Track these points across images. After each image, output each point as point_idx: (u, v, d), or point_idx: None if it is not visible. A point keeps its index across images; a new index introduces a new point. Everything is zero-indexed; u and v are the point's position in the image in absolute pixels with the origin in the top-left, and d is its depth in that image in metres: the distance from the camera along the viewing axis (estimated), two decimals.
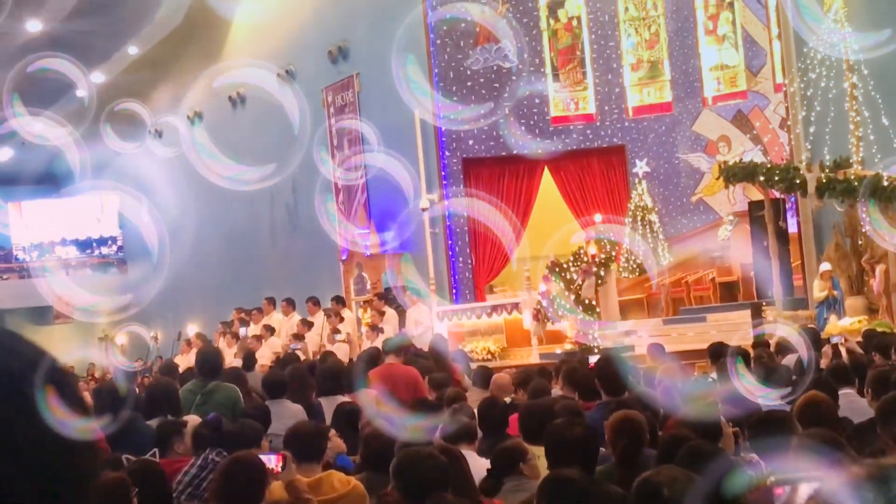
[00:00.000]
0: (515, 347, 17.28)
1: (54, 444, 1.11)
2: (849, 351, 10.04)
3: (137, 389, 11.34)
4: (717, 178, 17.52)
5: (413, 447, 4.68)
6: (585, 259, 16.55)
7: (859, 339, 11.10)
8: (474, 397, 7.94)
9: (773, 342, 10.78)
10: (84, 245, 32.63)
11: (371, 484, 5.09)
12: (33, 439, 1.10)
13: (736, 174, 16.57)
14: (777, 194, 16.56)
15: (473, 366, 11.94)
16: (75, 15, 22.98)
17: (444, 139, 20.58)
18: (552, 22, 21.44)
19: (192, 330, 22.52)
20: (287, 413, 7.42)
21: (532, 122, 20.80)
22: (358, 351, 14.94)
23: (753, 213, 16.93)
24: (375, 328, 15.76)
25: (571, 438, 4.61)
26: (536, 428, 5.39)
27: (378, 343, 13.36)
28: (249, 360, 12.44)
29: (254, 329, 17.73)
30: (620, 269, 19.03)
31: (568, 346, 15.88)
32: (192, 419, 6.56)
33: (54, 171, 31.28)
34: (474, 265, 20.74)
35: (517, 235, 20.76)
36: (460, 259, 20.69)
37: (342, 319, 17.15)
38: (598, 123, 21.21)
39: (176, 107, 28.76)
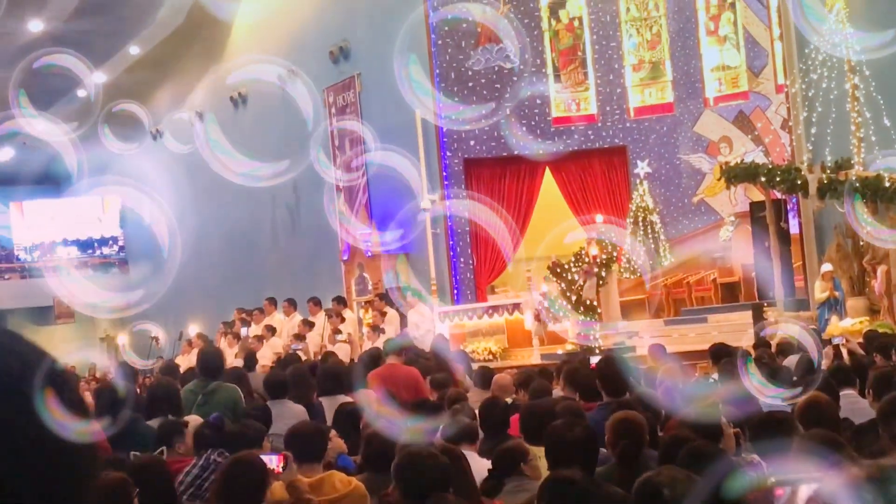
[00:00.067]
0: (517, 348, 17.28)
1: (54, 445, 1.11)
2: (850, 352, 10.04)
3: (139, 390, 11.34)
4: (719, 179, 17.51)
5: (414, 447, 4.69)
6: (586, 260, 16.54)
7: (860, 339, 11.10)
8: (475, 398, 7.94)
9: (773, 343, 10.78)
10: (85, 245, 32.66)
11: (372, 484, 5.09)
12: (33, 440, 1.10)
13: (737, 175, 16.56)
14: (778, 195, 16.56)
15: (475, 366, 11.93)
16: (77, 15, 23.00)
17: (445, 139, 20.58)
18: (553, 22, 21.44)
19: (193, 330, 22.52)
20: (289, 413, 7.42)
21: (533, 123, 20.80)
22: (359, 351, 14.95)
23: (755, 213, 16.93)
24: (377, 329, 15.77)
25: (571, 439, 4.62)
26: (537, 428, 5.39)
27: (379, 343, 13.36)
28: (250, 360, 12.46)
29: (255, 329, 17.74)
30: (622, 270, 19.02)
31: (569, 347, 15.88)
32: (194, 419, 6.57)
33: (55, 171, 31.28)
34: (475, 265, 20.74)
35: (518, 236, 20.77)
36: (461, 259, 20.69)
37: (343, 320, 17.16)
38: (599, 124, 21.21)
39: (178, 107, 28.78)
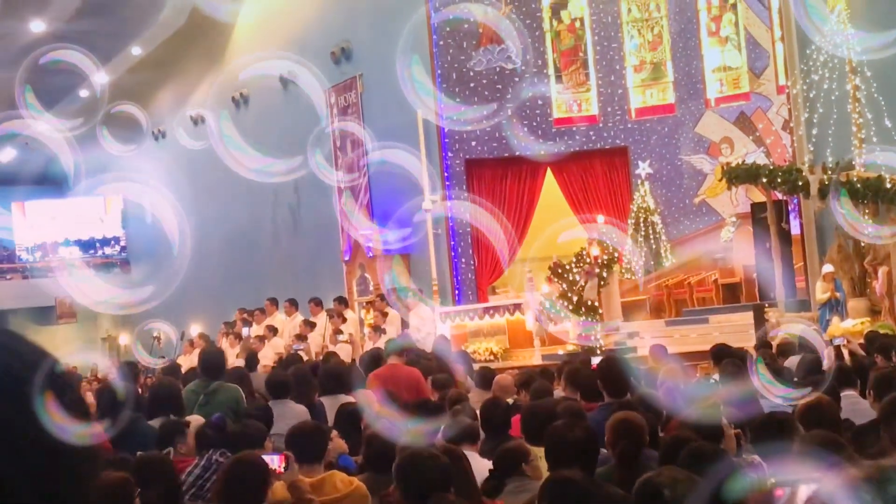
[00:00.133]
0: (518, 348, 17.29)
1: (55, 445, 1.11)
2: (851, 353, 10.04)
3: (140, 390, 11.35)
4: (720, 180, 17.51)
5: (415, 447, 4.69)
6: (588, 260, 16.54)
7: (861, 340, 11.09)
8: (476, 398, 7.94)
9: (774, 344, 10.78)
10: (87, 245, 32.67)
11: (373, 484, 5.10)
12: (34, 440, 1.10)
13: (738, 176, 16.56)
14: (780, 196, 16.56)
15: (476, 367, 11.93)
16: (79, 15, 23.00)
17: (446, 140, 20.59)
18: (555, 23, 21.45)
19: (194, 330, 22.52)
20: (290, 413, 7.42)
21: (535, 124, 20.81)
22: (360, 351, 14.96)
23: (756, 214, 16.93)
24: (378, 329, 15.77)
25: (572, 440, 4.62)
26: (538, 429, 5.39)
27: (381, 344, 13.38)
28: (252, 360, 12.46)
29: (256, 329, 17.74)
30: (623, 271, 19.03)
31: (570, 348, 15.88)
32: (195, 419, 6.58)
33: (57, 171, 31.28)
34: (477, 266, 20.75)
35: (520, 237, 20.78)
36: (463, 260, 20.69)
37: (345, 320, 17.17)
38: (600, 125, 21.22)
39: (180, 108, 28.79)
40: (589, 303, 16.28)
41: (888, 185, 14.50)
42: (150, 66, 27.10)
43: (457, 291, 20.37)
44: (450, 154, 20.66)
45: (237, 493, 4.45)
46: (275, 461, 4.84)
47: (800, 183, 15.62)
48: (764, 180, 16.14)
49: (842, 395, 6.86)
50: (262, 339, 16.70)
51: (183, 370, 12.14)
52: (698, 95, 20.97)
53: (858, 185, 14.70)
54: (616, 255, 17.34)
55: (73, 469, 1.14)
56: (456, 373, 9.74)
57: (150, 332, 20.76)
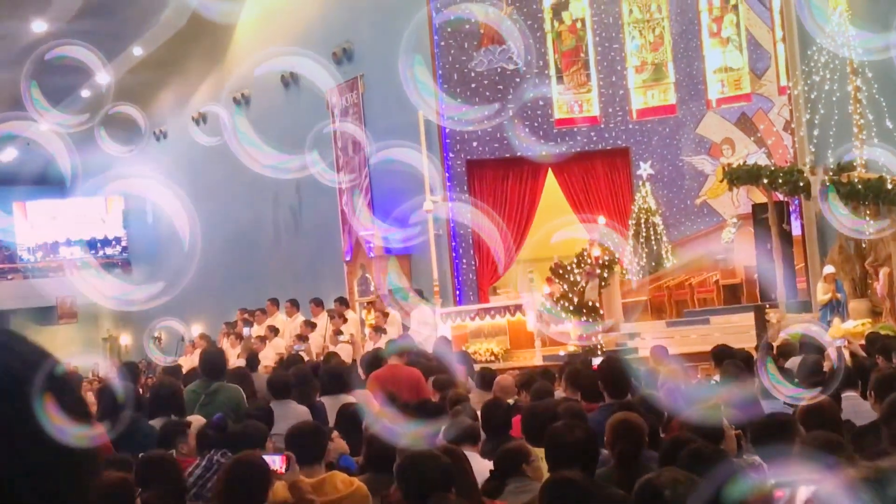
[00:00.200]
0: (519, 349, 17.29)
1: (55, 445, 1.11)
2: (852, 354, 10.04)
3: (141, 390, 11.36)
4: (721, 181, 17.52)
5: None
6: (589, 261, 16.54)
7: (862, 342, 11.09)
8: (477, 399, 7.95)
9: (775, 345, 10.77)
10: (88, 246, 32.68)
11: (374, 485, 5.10)
12: (34, 440, 1.10)
13: (740, 177, 16.56)
14: (781, 197, 16.56)
15: (476, 367, 11.94)
16: (80, 15, 23.01)
17: (448, 141, 20.59)
18: (556, 24, 21.45)
19: (195, 330, 22.54)
20: (292, 414, 7.42)
21: (536, 125, 20.81)
22: (361, 352, 14.95)
23: (757, 215, 16.92)
24: (379, 329, 15.78)
25: (572, 441, 4.62)
26: (539, 430, 5.39)
27: (381, 344, 13.38)
28: (253, 360, 12.45)
29: (257, 330, 17.74)
30: (624, 272, 19.03)
31: (571, 348, 15.88)
32: (196, 419, 6.59)
33: (58, 171, 31.30)
34: (478, 267, 20.75)
35: (521, 238, 20.78)
36: (464, 261, 20.70)
37: (345, 320, 17.17)
38: (602, 126, 21.22)
39: (182, 108, 28.81)
40: (590, 303, 16.28)
41: (889, 186, 14.49)
42: (151, 67, 27.11)
43: (458, 292, 20.37)
44: (451, 155, 20.67)
45: (238, 494, 4.46)
46: (276, 462, 4.84)
47: (801, 184, 15.61)
48: (765, 181, 16.14)
49: (842, 396, 6.86)
50: (263, 339, 16.70)
51: (184, 370, 12.15)
52: (699, 96, 20.97)
53: (860, 186, 14.69)
54: (617, 257, 17.34)
55: (74, 469, 1.14)
56: (456, 373, 9.74)
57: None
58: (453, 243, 20.58)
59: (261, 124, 24.16)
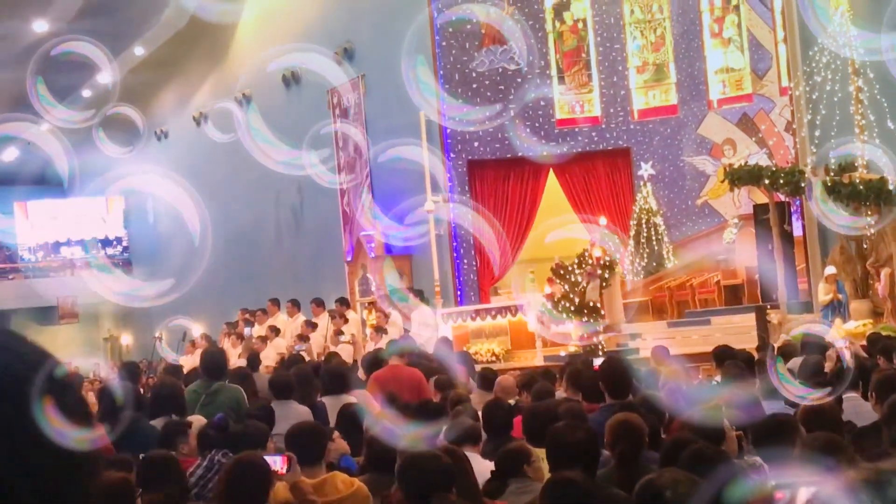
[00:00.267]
0: (520, 349, 17.28)
1: (55, 446, 1.11)
2: (853, 355, 10.02)
3: (142, 390, 11.36)
4: (722, 181, 17.51)
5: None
6: (590, 262, 16.54)
7: (864, 342, 11.08)
8: (478, 399, 7.95)
9: (776, 346, 10.78)
10: (89, 246, 32.67)
11: (375, 485, 5.10)
12: (35, 440, 1.10)
13: (741, 177, 16.55)
14: (782, 197, 16.55)
15: (477, 368, 11.94)
16: (81, 15, 23.03)
17: (449, 141, 20.59)
18: (558, 24, 21.45)
19: (196, 330, 22.54)
20: (293, 414, 7.42)
21: (537, 125, 20.80)
22: (362, 352, 14.96)
23: (758, 216, 16.92)
24: (380, 330, 15.77)
25: (573, 441, 4.62)
26: (540, 430, 5.39)
27: (382, 344, 13.38)
28: (254, 360, 12.45)
29: (258, 330, 17.76)
30: (625, 272, 19.02)
31: (572, 349, 15.87)
32: (197, 419, 6.59)
33: (59, 171, 31.32)
34: (478, 267, 20.75)
35: (522, 238, 20.78)
36: (465, 261, 20.70)
37: (346, 321, 17.18)
38: (603, 126, 21.21)
39: (183, 108, 28.81)
40: (591, 304, 16.27)
41: (890, 187, 14.49)
42: (152, 67, 27.12)
43: (458, 292, 20.37)
44: (452, 155, 20.67)
45: (239, 494, 4.46)
46: (277, 462, 4.84)
47: (802, 184, 15.61)
48: (766, 182, 16.13)
49: (844, 397, 6.85)
50: (264, 339, 16.71)
51: (185, 370, 12.16)
52: (701, 97, 20.97)
53: (861, 187, 14.69)
54: (618, 256, 17.34)
55: (74, 469, 1.14)
56: (457, 374, 9.74)
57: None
58: (454, 244, 20.58)
59: (262, 124, 24.21)
